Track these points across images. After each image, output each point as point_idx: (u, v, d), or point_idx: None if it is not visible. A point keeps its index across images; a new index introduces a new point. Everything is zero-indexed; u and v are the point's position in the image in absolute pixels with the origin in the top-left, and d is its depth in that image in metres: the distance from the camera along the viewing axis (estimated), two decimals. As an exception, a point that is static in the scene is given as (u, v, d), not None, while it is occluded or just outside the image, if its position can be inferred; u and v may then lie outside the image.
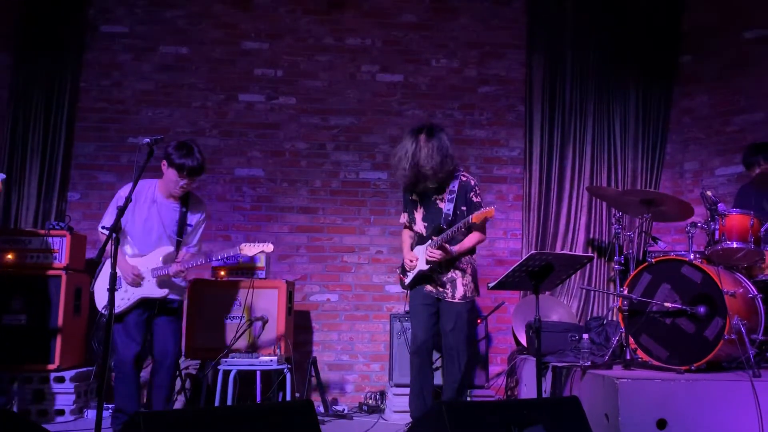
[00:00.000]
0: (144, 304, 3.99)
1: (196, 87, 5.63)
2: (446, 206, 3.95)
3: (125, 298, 3.96)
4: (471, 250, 4.04)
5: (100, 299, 3.98)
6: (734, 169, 5.39)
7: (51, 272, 4.63)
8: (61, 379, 4.54)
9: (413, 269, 4.03)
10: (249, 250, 4.01)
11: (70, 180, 5.45)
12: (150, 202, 4.03)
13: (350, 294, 5.53)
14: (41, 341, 4.53)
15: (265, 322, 4.65)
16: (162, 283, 3.99)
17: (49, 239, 4.69)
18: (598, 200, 5.56)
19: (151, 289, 3.98)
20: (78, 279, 4.82)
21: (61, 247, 4.69)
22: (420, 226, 4.08)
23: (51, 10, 5.46)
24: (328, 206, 5.61)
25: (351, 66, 5.74)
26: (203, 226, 4.22)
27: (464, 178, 4.03)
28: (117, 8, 5.64)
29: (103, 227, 4.03)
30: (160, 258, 4.01)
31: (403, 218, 4.20)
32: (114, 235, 3.20)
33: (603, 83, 5.72)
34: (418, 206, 4.09)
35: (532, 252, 3.60)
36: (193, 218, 4.12)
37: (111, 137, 5.53)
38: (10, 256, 4.62)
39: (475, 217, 3.70)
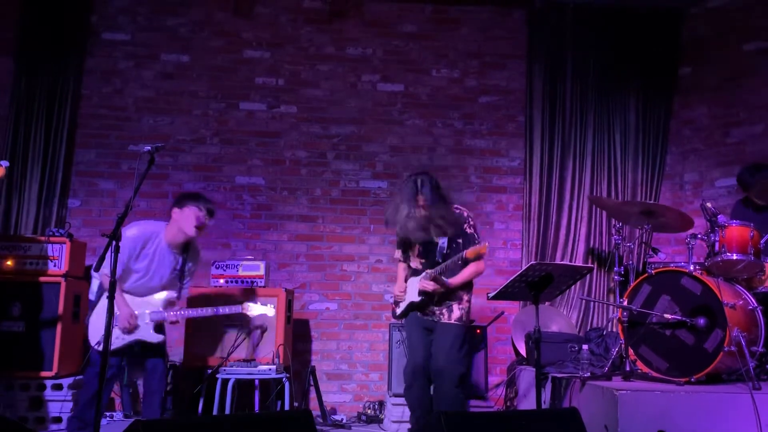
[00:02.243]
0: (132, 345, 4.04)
1: (197, 95, 5.64)
2: (442, 240, 3.89)
3: (120, 337, 3.98)
4: (467, 285, 3.97)
5: (94, 335, 3.98)
6: (734, 180, 5.37)
7: (50, 279, 4.62)
8: (58, 387, 4.52)
9: (404, 300, 4.00)
10: (251, 310, 4.15)
11: (71, 186, 5.45)
12: (156, 249, 4.07)
13: (349, 303, 5.52)
14: (39, 348, 4.52)
15: (263, 330, 4.64)
16: (158, 327, 4.07)
17: (49, 246, 4.68)
18: (599, 210, 5.56)
19: (148, 334, 4.03)
20: (77, 286, 4.81)
21: (61, 254, 4.68)
22: (416, 263, 4.02)
23: (53, 17, 5.47)
24: (327, 215, 5.61)
25: (352, 75, 5.76)
26: (194, 272, 4.32)
27: (457, 211, 3.97)
28: (119, 16, 5.66)
29: (106, 265, 3.97)
30: (161, 302, 4.06)
31: (397, 254, 4.15)
32: (114, 242, 3.19)
33: (603, 94, 5.74)
34: (413, 244, 4.01)
35: (532, 262, 3.60)
36: (188, 265, 4.20)
37: (112, 144, 5.53)
38: (9, 263, 4.61)
39: (468, 253, 3.70)
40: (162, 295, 4.09)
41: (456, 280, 3.88)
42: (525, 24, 5.85)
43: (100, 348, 3.84)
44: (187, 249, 4.18)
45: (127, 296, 4.06)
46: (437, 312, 3.92)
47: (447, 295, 3.90)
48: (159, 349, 4.13)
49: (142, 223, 4.18)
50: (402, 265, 4.15)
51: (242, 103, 5.67)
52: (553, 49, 5.75)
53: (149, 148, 3.42)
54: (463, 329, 3.92)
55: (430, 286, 3.83)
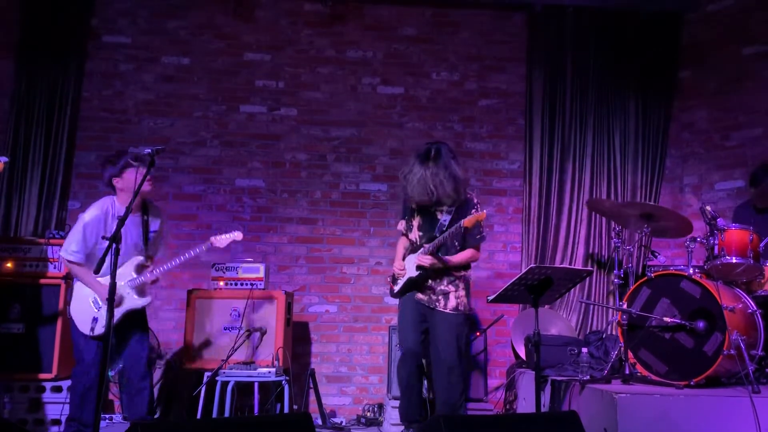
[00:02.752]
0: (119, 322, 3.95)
1: (198, 97, 5.65)
2: (444, 217, 3.99)
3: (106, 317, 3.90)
4: (464, 266, 4.05)
5: (82, 323, 3.90)
6: (733, 183, 5.41)
7: (49, 281, 4.63)
8: (58, 389, 4.53)
9: (402, 277, 4.06)
10: (220, 242, 4.11)
11: (71, 189, 5.45)
12: (112, 219, 3.94)
13: (349, 305, 5.52)
14: (39, 350, 4.52)
15: (263, 333, 4.64)
16: (141, 291, 4.01)
17: (49, 248, 4.69)
18: (598, 214, 5.56)
19: (133, 301, 3.98)
20: (77, 288, 4.81)
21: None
22: (415, 234, 4.11)
23: (54, 19, 5.48)
24: (327, 217, 5.61)
25: (352, 78, 5.77)
26: (166, 234, 4.25)
27: (468, 195, 4.08)
28: (120, 19, 5.67)
29: (71, 252, 3.89)
30: (132, 269, 3.99)
31: (401, 225, 4.24)
32: (114, 245, 3.19)
33: (603, 97, 5.75)
34: (416, 215, 4.12)
35: (532, 265, 3.59)
36: (154, 225, 4.11)
37: (112, 146, 5.51)
38: (9, 265, 4.62)
39: (466, 221, 3.73)
40: (132, 263, 4.00)
41: (453, 258, 3.96)
42: (525, 27, 5.86)
43: (93, 333, 3.84)
44: (146, 209, 4.09)
45: (100, 277, 3.90)
46: (434, 298, 3.96)
47: (443, 272, 3.95)
48: (143, 320, 4.07)
49: (96, 203, 4.04)
50: (403, 241, 4.22)
51: (242, 105, 5.68)
52: (552, 52, 5.76)
53: (149, 150, 3.43)
54: (459, 318, 3.98)
55: (427, 260, 3.89)
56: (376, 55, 5.80)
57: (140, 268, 4.02)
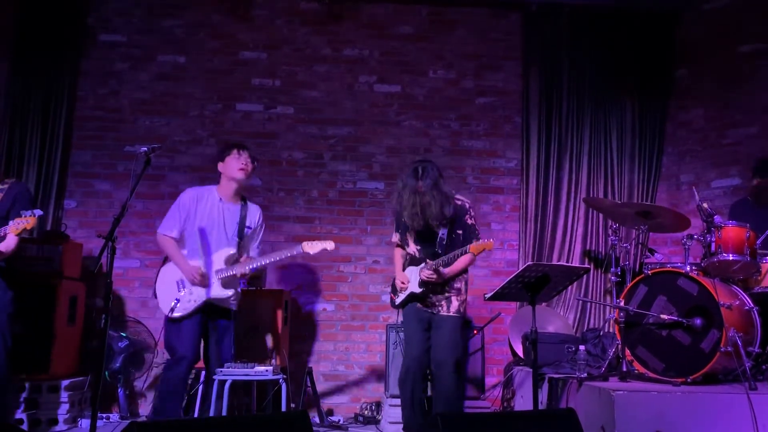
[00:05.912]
0: (203, 309, 3.94)
1: (194, 96, 5.63)
2: (441, 230, 3.96)
3: (191, 300, 3.92)
4: (463, 271, 4.05)
5: (164, 303, 3.93)
6: (730, 181, 5.42)
7: (46, 280, 4.60)
8: (54, 388, 4.52)
9: (404, 290, 4.04)
10: (311, 248, 3.97)
11: (67, 188, 5.45)
12: (212, 204, 4.05)
13: (346, 304, 5.51)
14: (35, 350, 4.50)
15: (260, 331, 4.63)
16: (227, 284, 3.99)
17: (45, 247, 4.66)
18: (595, 211, 5.57)
19: (217, 291, 3.96)
20: (73, 287, 4.80)
21: (57, 256, 4.67)
22: (413, 248, 4.08)
23: (50, 18, 5.47)
24: (324, 216, 5.60)
25: (348, 76, 5.76)
26: (261, 232, 4.24)
27: (459, 202, 4.04)
28: (116, 17, 5.66)
29: (165, 226, 4.00)
30: (223, 260, 3.99)
31: (395, 237, 4.21)
32: (110, 243, 3.18)
33: (599, 95, 5.75)
34: (411, 228, 4.08)
35: (529, 263, 3.59)
36: (252, 221, 4.14)
37: (108, 145, 5.52)
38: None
39: (473, 248, 3.73)
40: (223, 253, 4.00)
41: (451, 270, 3.94)
42: (521, 26, 5.86)
43: (173, 315, 3.86)
44: (245, 205, 4.15)
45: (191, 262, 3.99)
46: (437, 304, 3.97)
47: (445, 284, 3.95)
48: (229, 311, 4.06)
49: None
50: (399, 251, 4.21)
51: (239, 104, 5.67)
52: (549, 50, 5.76)
53: (145, 149, 3.43)
54: (461, 320, 4.00)
55: (432, 277, 3.87)
56: (372, 53, 5.80)
57: (230, 260, 4.00)
